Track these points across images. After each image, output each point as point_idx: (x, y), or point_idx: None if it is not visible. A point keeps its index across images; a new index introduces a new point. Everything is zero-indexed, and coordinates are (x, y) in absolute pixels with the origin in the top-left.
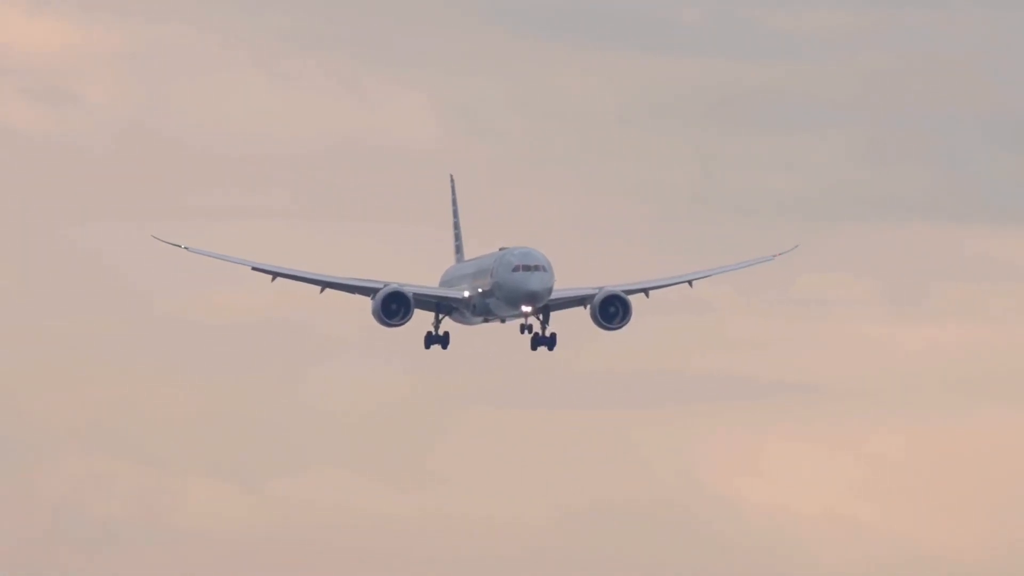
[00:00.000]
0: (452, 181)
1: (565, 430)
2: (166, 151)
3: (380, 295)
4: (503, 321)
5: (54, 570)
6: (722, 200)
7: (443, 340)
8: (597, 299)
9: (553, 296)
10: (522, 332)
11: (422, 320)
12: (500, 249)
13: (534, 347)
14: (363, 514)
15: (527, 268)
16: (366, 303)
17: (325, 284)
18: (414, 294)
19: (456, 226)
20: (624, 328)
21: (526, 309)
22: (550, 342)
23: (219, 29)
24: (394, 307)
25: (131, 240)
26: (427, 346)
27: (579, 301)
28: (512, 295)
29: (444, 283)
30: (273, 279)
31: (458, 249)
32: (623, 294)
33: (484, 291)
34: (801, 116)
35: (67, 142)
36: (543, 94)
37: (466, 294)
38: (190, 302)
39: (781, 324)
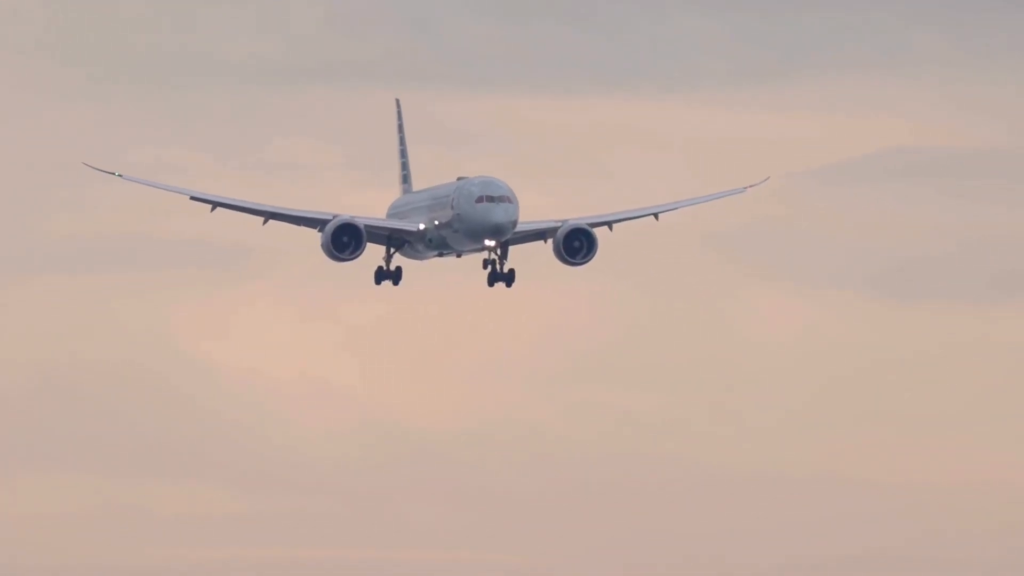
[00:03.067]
0: (398, 105)
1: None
2: None
3: (330, 227)
4: (459, 256)
5: None
6: (189, 66)
7: (395, 275)
8: (560, 233)
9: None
10: (484, 267)
11: (373, 254)
12: (458, 179)
13: (491, 283)
14: None
15: (491, 199)
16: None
17: (269, 215)
18: (366, 226)
19: (403, 154)
20: (588, 263)
21: (489, 243)
22: (508, 278)
23: None
24: (345, 240)
25: None
26: (378, 282)
27: (539, 235)
28: (476, 228)
29: (392, 215)
30: (213, 209)
31: (405, 179)
32: (588, 227)
33: (442, 223)
34: None
35: None
36: None
37: (421, 227)
38: None
39: (256, 187)
